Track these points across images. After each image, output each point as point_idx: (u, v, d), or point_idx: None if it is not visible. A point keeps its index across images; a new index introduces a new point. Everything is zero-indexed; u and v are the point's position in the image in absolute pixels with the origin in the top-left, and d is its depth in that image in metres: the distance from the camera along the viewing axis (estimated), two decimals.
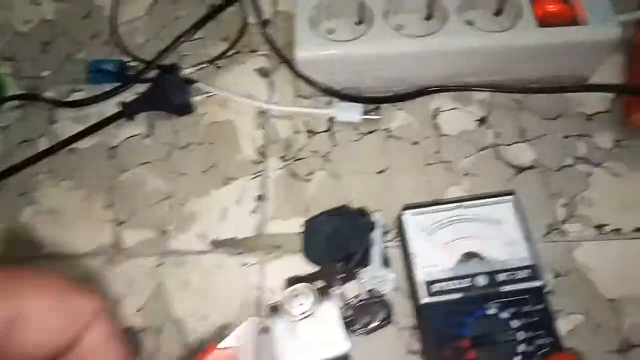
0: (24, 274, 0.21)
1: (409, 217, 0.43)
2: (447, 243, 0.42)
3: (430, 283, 0.40)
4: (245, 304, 0.44)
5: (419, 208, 0.43)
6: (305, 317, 0.33)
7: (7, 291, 0.20)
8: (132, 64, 0.57)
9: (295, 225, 0.47)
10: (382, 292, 0.43)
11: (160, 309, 0.45)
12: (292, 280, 0.45)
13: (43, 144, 0.53)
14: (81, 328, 0.22)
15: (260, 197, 0.49)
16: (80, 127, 0.53)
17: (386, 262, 0.44)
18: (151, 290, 0.46)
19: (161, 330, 0.44)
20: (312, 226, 0.45)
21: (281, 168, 0.50)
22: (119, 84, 0.55)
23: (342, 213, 0.45)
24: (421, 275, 0.40)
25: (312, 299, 0.33)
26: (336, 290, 0.42)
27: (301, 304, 0.33)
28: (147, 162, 0.52)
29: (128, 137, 0.53)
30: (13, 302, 0.20)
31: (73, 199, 0.50)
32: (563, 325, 0.42)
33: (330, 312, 0.40)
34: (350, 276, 0.43)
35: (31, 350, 0.21)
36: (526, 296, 0.40)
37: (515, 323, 0.39)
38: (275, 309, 0.36)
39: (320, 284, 0.44)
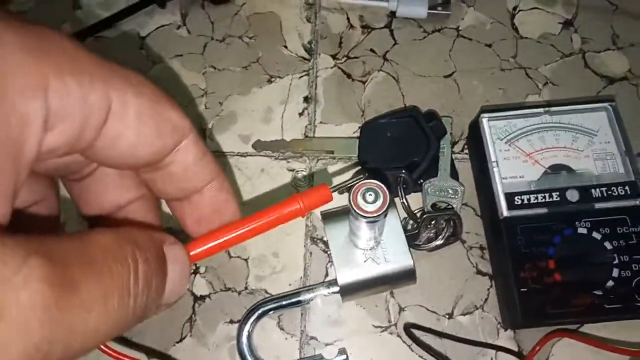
0: (117, 67, 0.19)
1: (487, 122, 0.36)
2: (531, 153, 0.36)
3: (512, 195, 0.34)
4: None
5: (499, 111, 0.36)
6: (374, 220, 0.28)
7: (110, 81, 0.17)
8: None
9: (348, 131, 0.41)
10: (450, 206, 0.37)
11: None
12: (346, 189, 0.39)
13: (66, 32, 0.47)
14: (174, 142, 0.20)
15: (308, 99, 0.43)
16: (107, 14, 0.47)
17: (455, 174, 0.39)
18: None
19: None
20: (372, 128, 0.39)
21: (332, 67, 0.44)
22: None
23: (407, 115, 0.39)
24: (501, 186, 0.35)
25: (382, 199, 0.28)
26: (401, 200, 0.37)
27: (373, 202, 0.28)
28: (180, 55, 0.45)
29: (160, 27, 0.47)
30: (116, 92, 0.17)
31: None
32: None
33: (393, 224, 0.35)
34: (414, 186, 0.38)
35: (122, 151, 0.19)
36: (623, 216, 0.34)
37: (609, 245, 0.33)
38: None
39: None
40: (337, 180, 0.40)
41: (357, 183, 0.28)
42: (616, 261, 0.33)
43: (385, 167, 0.38)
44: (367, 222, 0.28)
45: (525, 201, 0.34)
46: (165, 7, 0.47)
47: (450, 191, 0.38)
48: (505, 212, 0.34)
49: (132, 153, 0.20)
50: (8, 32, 0.15)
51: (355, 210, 0.28)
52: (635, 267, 0.33)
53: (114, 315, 0.16)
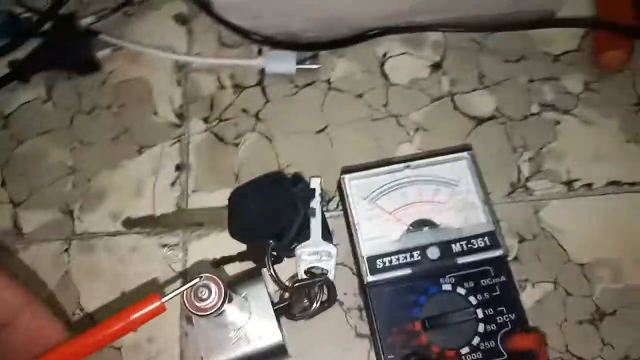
0: None
1: (348, 182, 0.36)
2: (393, 211, 0.36)
3: (374, 258, 0.34)
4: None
5: (359, 171, 0.36)
6: (212, 314, 0.27)
7: None
8: (25, 15, 0.48)
9: (221, 198, 0.40)
10: (323, 270, 0.37)
11: (68, 302, 0.38)
12: (219, 262, 0.38)
13: None
14: (5, 320, 0.22)
15: (180, 167, 0.42)
16: None
17: (329, 235, 0.38)
18: (57, 281, 0.39)
19: (70, 327, 0.37)
20: (238, 199, 0.38)
21: (204, 131, 0.43)
22: (8, 39, 0.46)
23: (271, 181, 0.38)
24: (364, 249, 0.34)
25: (217, 293, 0.27)
26: (269, 272, 0.36)
27: (206, 298, 0.27)
28: (47, 132, 0.44)
29: (23, 103, 0.45)
30: None
31: None
32: (529, 296, 0.37)
33: (261, 297, 0.34)
34: (285, 254, 0.37)
35: None
36: (486, 267, 0.34)
37: (474, 299, 0.33)
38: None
39: (249, 265, 0.38)
40: (212, 252, 0.39)
41: (188, 288, 0.27)
42: (481, 315, 0.33)
43: (254, 238, 0.37)
44: (207, 317, 0.27)
45: (388, 263, 0.34)
46: (29, 82, 0.45)
47: (324, 254, 0.37)
48: (368, 277, 0.33)
49: None
50: None
51: (190, 310, 0.27)
52: (500, 319, 0.33)
53: None
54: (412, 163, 0.37)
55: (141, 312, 0.25)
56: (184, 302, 0.27)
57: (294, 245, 0.37)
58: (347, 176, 0.36)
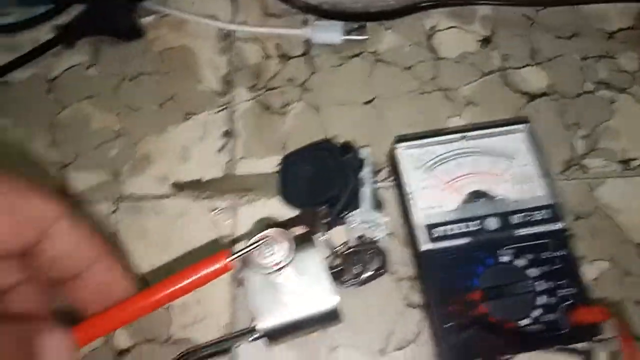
0: None
1: (403, 151, 0.35)
2: (449, 181, 0.35)
3: (431, 227, 0.33)
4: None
5: (414, 140, 0.36)
6: (278, 270, 0.26)
7: None
8: None
9: (270, 164, 0.40)
10: (374, 239, 0.36)
11: None
12: (269, 227, 0.38)
13: None
14: (38, 233, 0.21)
15: (227, 133, 0.41)
16: (12, 57, 0.44)
17: (379, 205, 0.38)
18: None
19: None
20: (290, 164, 0.38)
21: (250, 99, 0.43)
22: (52, 4, 0.46)
23: (324, 149, 0.37)
24: (420, 218, 0.33)
25: (286, 247, 0.26)
26: (321, 237, 0.35)
27: (272, 254, 0.26)
28: (91, 97, 0.43)
29: (68, 68, 0.44)
30: None
31: (8, 138, 0.42)
32: (586, 274, 0.36)
33: (315, 262, 0.33)
34: (336, 221, 0.36)
35: None
36: (545, 240, 0.33)
37: (533, 272, 0.32)
38: (244, 261, 0.29)
39: (301, 230, 0.37)
40: (263, 218, 0.38)
41: (260, 243, 0.26)
42: (541, 288, 0.32)
43: (306, 203, 0.36)
44: (271, 273, 0.27)
45: (445, 232, 0.33)
46: (74, 47, 0.45)
47: (374, 223, 0.36)
48: (424, 245, 0.33)
49: None
50: None
51: (256, 265, 0.26)
52: (561, 292, 0.32)
53: None
54: (469, 134, 0.36)
55: (208, 270, 0.25)
56: (246, 258, 0.26)
57: (344, 214, 0.37)
58: (401, 145, 0.35)
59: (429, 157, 0.35)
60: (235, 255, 0.25)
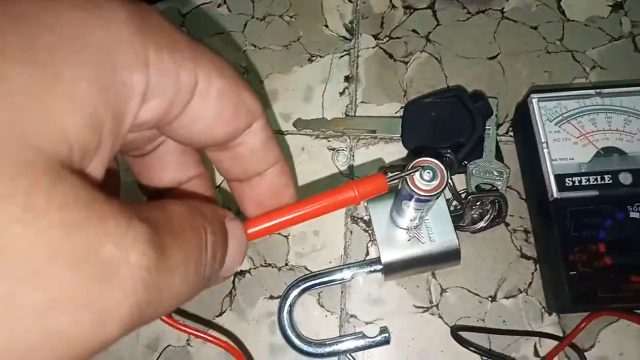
0: (211, 53, 0.19)
1: (537, 103, 0.36)
2: (580, 135, 0.35)
3: (562, 177, 0.33)
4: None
5: (549, 92, 0.36)
6: (431, 197, 0.27)
7: (199, 61, 0.18)
8: None
9: (389, 111, 0.41)
10: (494, 188, 0.37)
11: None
12: (387, 169, 0.39)
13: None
14: (246, 124, 0.21)
15: (349, 78, 0.43)
16: None
17: (500, 156, 0.38)
18: None
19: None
20: (416, 108, 0.39)
21: (374, 47, 0.43)
22: None
23: (453, 95, 0.38)
24: (551, 167, 0.34)
25: (439, 178, 0.27)
26: (446, 180, 0.36)
27: (432, 180, 0.27)
28: (221, 33, 0.45)
29: (200, 4, 0.47)
30: (202, 72, 0.18)
31: None
32: None
33: (438, 203, 0.34)
34: (459, 167, 0.37)
35: (199, 129, 0.20)
36: None
37: None
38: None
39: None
40: (378, 160, 0.40)
41: (412, 172, 0.27)
42: None
43: (429, 147, 0.37)
44: (422, 201, 0.28)
45: (576, 183, 0.33)
46: None
47: (496, 173, 0.37)
48: (555, 193, 0.33)
49: (207, 132, 0.20)
50: (119, 10, 0.15)
51: (411, 189, 0.27)
52: None
53: (191, 280, 0.17)
54: (604, 91, 0.36)
55: (367, 188, 0.25)
56: (405, 180, 0.27)
57: (467, 160, 0.37)
58: (535, 95, 0.36)
59: (563, 110, 0.35)
60: (395, 175, 0.26)
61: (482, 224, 0.36)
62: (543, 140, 0.34)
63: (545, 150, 0.34)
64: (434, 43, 0.43)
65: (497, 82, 0.41)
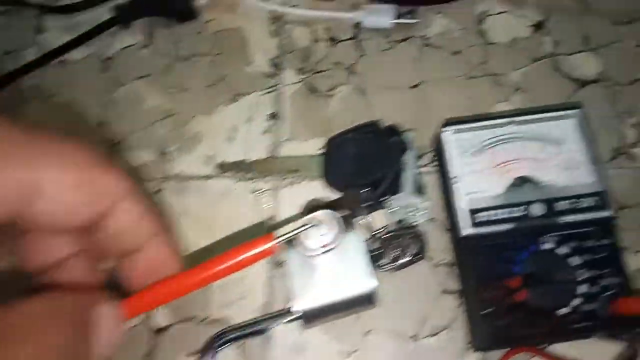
0: (47, 143, 0.20)
1: (450, 135, 0.35)
2: (495, 166, 0.35)
3: (474, 212, 0.33)
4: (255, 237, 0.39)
5: (462, 124, 0.36)
6: (326, 252, 0.27)
7: (27, 161, 0.19)
8: None
9: (314, 147, 0.41)
10: (414, 223, 0.36)
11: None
12: (311, 208, 0.39)
13: (29, 56, 0.46)
14: (106, 207, 0.21)
15: (273, 115, 0.42)
16: (70, 37, 0.46)
17: (420, 190, 0.38)
18: None
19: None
20: (335, 146, 0.38)
21: (298, 82, 0.43)
22: None
23: (369, 131, 0.38)
24: (464, 202, 0.34)
25: (335, 230, 0.27)
26: (361, 220, 0.36)
27: (322, 235, 0.27)
28: (145, 76, 0.45)
29: (124, 48, 0.46)
30: (30, 175, 0.19)
31: (63, 116, 0.44)
32: (630, 264, 0.35)
33: (355, 244, 0.34)
34: (377, 204, 0.37)
35: (55, 218, 0.20)
36: (590, 229, 0.33)
37: (575, 260, 0.32)
38: (289, 241, 0.29)
39: (343, 212, 0.38)
40: (302, 199, 0.39)
41: (305, 227, 0.27)
42: (583, 277, 0.32)
43: (349, 186, 0.37)
44: (316, 255, 0.27)
45: (489, 218, 0.33)
46: (129, 27, 0.46)
47: (415, 208, 0.37)
48: (466, 230, 0.33)
49: (64, 220, 0.21)
50: None
51: (304, 246, 0.27)
52: (604, 282, 0.32)
53: None
54: (517, 119, 0.35)
55: (254, 251, 0.25)
56: (294, 240, 0.27)
57: (385, 197, 0.37)
58: (448, 128, 0.35)
59: (476, 141, 0.35)
60: (283, 238, 0.26)
61: (402, 261, 0.36)
62: (454, 175, 0.34)
63: (456, 186, 0.34)
64: (357, 75, 0.43)
65: (421, 110, 0.41)
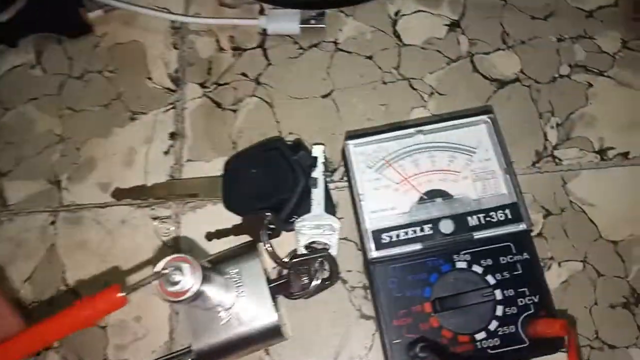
0: None
1: (353, 149, 0.33)
2: (402, 180, 0.32)
3: (380, 232, 0.30)
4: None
5: (366, 136, 0.33)
6: (187, 299, 0.24)
7: None
8: None
9: (218, 167, 0.37)
10: (325, 245, 0.34)
11: (52, 277, 0.36)
12: (213, 236, 0.35)
13: None
14: None
15: (175, 135, 0.39)
16: None
17: (332, 207, 0.35)
18: (42, 255, 0.36)
19: (52, 302, 0.35)
20: (234, 167, 0.35)
21: (201, 97, 0.40)
22: None
23: (272, 148, 0.35)
24: (369, 222, 0.31)
25: (187, 276, 0.24)
26: (265, 246, 0.33)
27: (180, 280, 0.24)
28: (35, 98, 0.41)
29: (11, 68, 0.42)
30: None
31: None
32: (554, 276, 0.33)
33: (255, 274, 0.31)
34: (283, 227, 0.34)
35: None
36: (506, 243, 0.30)
37: (491, 279, 0.30)
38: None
39: (246, 238, 0.35)
40: (207, 225, 0.36)
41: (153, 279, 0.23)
42: (499, 297, 0.29)
43: (251, 209, 0.34)
44: (182, 302, 0.24)
45: (395, 238, 0.30)
46: (17, 46, 0.42)
47: (326, 228, 0.34)
48: (372, 252, 0.30)
49: None
50: None
51: (161, 295, 0.23)
52: (521, 302, 0.29)
53: None
54: (425, 128, 0.33)
55: (96, 309, 0.22)
56: (156, 289, 0.24)
57: (293, 218, 0.34)
58: (351, 142, 0.33)
59: (382, 154, 0.33)
60: (128, 290, 0.22)
61: (312, 287, 0.33)
62: (360, 192, 0.31)
63: (363, 203, 0.31)
64: (264, 86, 0.40)
65: (332, 121, 0.38)
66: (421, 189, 0.32)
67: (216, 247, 0.35)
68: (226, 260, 0.32)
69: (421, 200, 0.31)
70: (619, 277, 0.33)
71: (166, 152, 0.38)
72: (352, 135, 0.33)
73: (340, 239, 0.34)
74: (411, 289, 0.29)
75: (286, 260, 0.33)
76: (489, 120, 0.33)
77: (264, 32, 0.41)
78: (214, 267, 0.31)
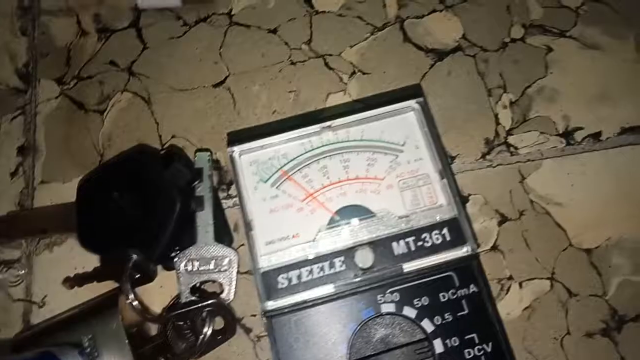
0: None
1: (240, 157, 0.24)
2: (308, 196, 0.24)
3: (274, 274, 0.22)
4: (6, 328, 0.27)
5: (254, 139, 0.24)
6: None
7: None
8: None
9: None
10: (221, 286, 0.25)
11: None
12: (73, 283, 0.27)
13: None
14: None
15: (24, 149, 0.30)
16: None
17: (226, 233, 0.27)
18: None
19: None
20: (86, 192, 0.26)
21: (58, 96, 0.31)
22: None
23: (133, 163, 0.26)
24: (260, 259, 0.23)
25: None
26: (130, 299, 0.24)
27: None
28: None
29: None
30: None
31: None
32: (514, 301, 0.26)
33: (115, 338, 0.23)
34: (155, 269, 0.26)
35: None
36: (446, 274, 0.22)
37: (429, 325, 0.22)
38: None
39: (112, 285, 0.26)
40: (67, 268, 0.27)
41: None
42: (440, 349, 0.21)
43: (108, 248, 0.25)
44: None
45: (298, 280, 0.22)
46: None
47: (219, 262, 0.26)
48: (267, 303, 0.22)
49: None
50: None
51: None
52: (470, 353, 0.21)
53: None
54: (335, 122, 0.25)
55: None
56: None
57: (175, 253, 0.26)
58: (236, 148, 0.24)
59: (281, 161, 0.24)
60: None
61: (201, 345, 0.25)
62: (249, 218, 0.23)
63: (253, 233, 0.23)
64: (139, 76, 0.31)
65: (228, 117, 0.30)
66: (332, 206, 0.23)
67: (81, 296, 0.27)
68: (77, 323, 0.23)
69: (331, 223, 0.23)
70: (596, 296, 0.26)
71: (13, 174, 0.30)
72: (234, 137, 0.25)
73: (241, 273, 0.26)
74: (321, 347, 0.22)
75: (165, 312, 0.25)
76: (418, 105, 0.25)
77: (136, 8, 0.32)
78: (62, 334, 0.23)
